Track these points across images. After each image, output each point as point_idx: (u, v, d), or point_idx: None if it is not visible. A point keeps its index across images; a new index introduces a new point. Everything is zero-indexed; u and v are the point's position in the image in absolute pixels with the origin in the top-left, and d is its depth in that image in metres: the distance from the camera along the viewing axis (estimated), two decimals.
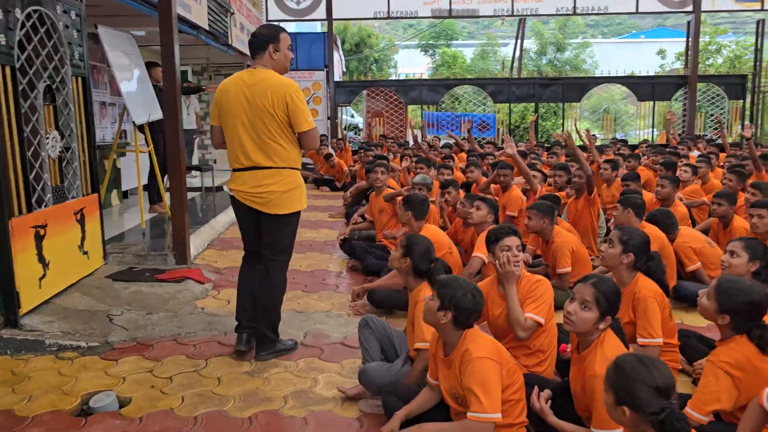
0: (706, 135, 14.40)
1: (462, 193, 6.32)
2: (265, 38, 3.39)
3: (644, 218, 4.70)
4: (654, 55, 20.47)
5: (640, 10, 14.15)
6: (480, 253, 4.30)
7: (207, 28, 8.28)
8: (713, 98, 14.73)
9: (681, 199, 6.33)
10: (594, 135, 10.62)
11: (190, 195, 7.61)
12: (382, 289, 4.50)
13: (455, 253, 4.64)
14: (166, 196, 6.53)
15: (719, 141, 11.31)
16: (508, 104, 14.67)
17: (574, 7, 13.97)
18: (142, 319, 4.16)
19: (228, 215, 7.61)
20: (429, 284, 2.99)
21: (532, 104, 15.48)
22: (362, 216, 6.77)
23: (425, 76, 14.26)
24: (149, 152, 6.39)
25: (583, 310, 2.45)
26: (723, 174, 6.83)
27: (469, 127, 10.27)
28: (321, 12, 13.94)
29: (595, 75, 14.92)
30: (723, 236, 5.37)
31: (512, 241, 3.11)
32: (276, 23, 4.04)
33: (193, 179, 9.21)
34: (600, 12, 14.22)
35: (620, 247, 3.12)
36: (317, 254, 6.30)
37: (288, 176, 3.40)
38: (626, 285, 3.09)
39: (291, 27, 19.34)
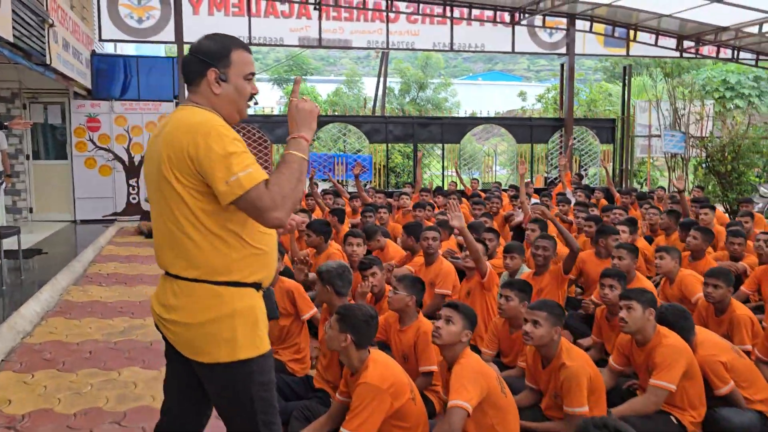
0: (585, 170, 14.21)
1: (388, 273, 4.72)
2: (203, 56, 2.04)
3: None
4: (515, 97, 20.50)
5: (516, 50, 13.68)
6: (463, 401, 2.69)
7: (10, 40, 6.00)
8: (581, 140, 14.57)
9: None
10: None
11: None
12: None
13: (419, 400, 2.97)
14: None
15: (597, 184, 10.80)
16: (385, 144, 13.39)
17: (451, 44, 13.14)
18: None
19: (40, 301, 5.34)
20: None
21: (409, 145, 14.33)
22: None
23: (275, 112, 12.64)
24: None
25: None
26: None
27: (358, 172, 8.71)
28: (168, 33, 11.77)
29: (476, 116, 14.01)
30: (715, 324, 4.24)
31: None
32: (230, 35, 2.22)
33: None
34: (476, 50, 13.55)
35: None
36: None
37: (204, 297, 1.97)
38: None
39: (130, 49, 16.79)
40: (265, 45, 12.72)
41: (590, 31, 13.22)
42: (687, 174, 13.81)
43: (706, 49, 13.69)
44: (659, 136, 13.85)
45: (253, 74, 2.10)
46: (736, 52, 13.63)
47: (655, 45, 13.32)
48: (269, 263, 2.08)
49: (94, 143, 11.45)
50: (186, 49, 12.29)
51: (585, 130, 14.46)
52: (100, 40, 11.97)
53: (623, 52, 14.13)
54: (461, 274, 5.11)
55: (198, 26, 11.82)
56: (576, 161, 14.35)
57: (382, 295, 4.30)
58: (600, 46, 13.99)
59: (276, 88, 28.15)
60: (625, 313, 3.35)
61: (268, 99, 29.88)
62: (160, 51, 20.06)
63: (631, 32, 13.21)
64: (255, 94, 2.11)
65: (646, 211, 7.88)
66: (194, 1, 12.03)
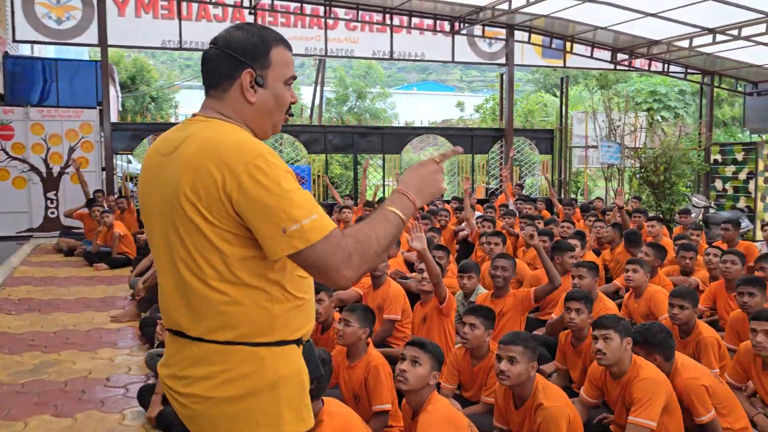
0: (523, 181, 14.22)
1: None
2: (236, 52, 1.58)
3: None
4: (452, 107, 20.49)
5: (456, 60, 13.56)
6: None
7: None
8: (519, 151, 14.59)
9: None
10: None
11: None
12: None
13: None
14: None
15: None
16: (324, 155, 12.96)
17: (391, 52, 12.89)
18: None
19: None
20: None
21: (349, 155, 13.97)
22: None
23: None
24: None
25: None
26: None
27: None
28: (91, 35, 10.97)
29: (415, 126, 13.78)
30: (680, 346, 4.05)
31: None
32: (266, 26, 1.69)
33: None
34: (416, 58, 13.36)
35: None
36: (96, 412, 3.75)
37: (241, 364, 1.53)
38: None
39: (50, 52, 15.73)
40: (197, 50, 12.07)
41: (529, 42, 13.25)
42: (623, 184, 14.02)
43: (638, 62, 13.97)
44: (596, 146, 14.00)
45: (294, 78, 1.68)
46: (666, 65, 13.98)
47: (591, 57, 13.48)
48: (312, 313, 1.68)
49: (6, 153, 10.54)
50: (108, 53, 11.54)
51: (523, 140, 14.49)
52: (14, 41, 11.05)
53: (560, 63, 14.27)
54: (411, 296, 4.79)
55: (124, 28, 11.14)
56: (515, 172, 14.35)
57: (329, 326, 3.91)
58: (538, 57, 14.05)
59: None
60: (603, 344, 3.08)
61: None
62: (83, 54, 18.92)
63: (568, 44, 13.32)
64: (294, 103, 1.69)
65: (592, 224, 7.80)
66: (119, 2, 11.29)
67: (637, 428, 2.91)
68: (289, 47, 1.66)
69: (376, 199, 11.34)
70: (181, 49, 11.82)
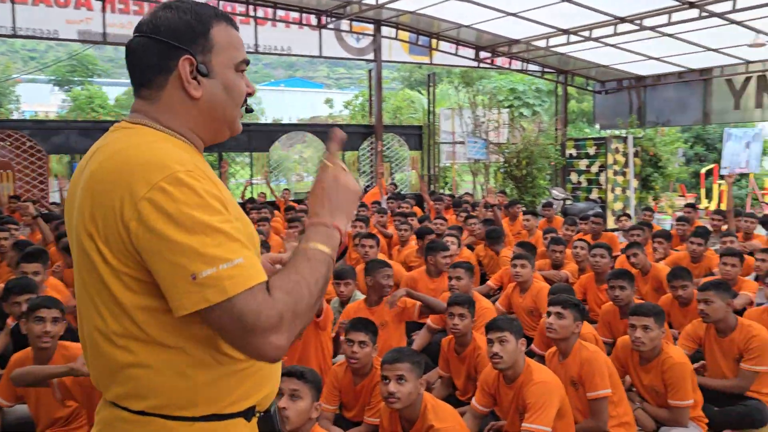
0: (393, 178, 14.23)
1: None
2: (167, 36, 1.22)
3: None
4: (321, 104, 20.21)
5: (324, 54, 13.26)
6: None
7: None
8: (388, 147, 14.61)
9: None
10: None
11: None
12: None
13: None
14: None
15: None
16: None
17: (256, 45, 12.32)
18: None
19: None
20: None
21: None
22: None
23: (51, 117, 10.87)
24: None
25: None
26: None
27: None
28: None
29: (283, 123, 13.33)
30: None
31: None
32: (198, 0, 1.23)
33: None
34: (282, 52, 12.92)
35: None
36: None
37: None
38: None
39: None
40: (33, 38, 10.83)
41: (396, 38, 13.24)
42: (488, 179, 14.46)
43: (500, 61, 14.43)
44: (463, 142, 14.32)
45: (247, 63, 1.32)
46: (525, 64, 14.56)
47: (456, 54, 13.73)
48: (271, 375, 1.30)
49: None
50: None
51: (392, 136, 14.51)
52: None
53: (427, 60, 14.39)
54: None
55: None
56: (386, 168, 14.34)
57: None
58: (405, 53, 14.10)
59: (57, 90, 24.92)
60: (499, 347, 2.92)
61: (47, 103, 26.41)
62: None
63: (434, 41, 13.47)
64: (251, 94, 1.35)
65: (465, 221, 7.83)
66: None
67: None
68: (233, 24, 1.31)
69: (245, 198, 10.78)
70: (15, 36, 10.52)
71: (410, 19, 12.37)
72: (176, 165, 1.12)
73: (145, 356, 1.15)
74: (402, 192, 13.09)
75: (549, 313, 3.30)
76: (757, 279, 5.48)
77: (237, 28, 1.33)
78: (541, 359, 3.80)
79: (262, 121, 16.00)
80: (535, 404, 2.83)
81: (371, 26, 12.88)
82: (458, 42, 13.55)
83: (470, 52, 13.92)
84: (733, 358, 3.78)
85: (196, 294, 1.06)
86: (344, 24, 12.50)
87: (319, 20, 12.16)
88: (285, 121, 13.61)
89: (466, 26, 12.25)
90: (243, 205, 9.33)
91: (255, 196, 11.82)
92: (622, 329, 4.37)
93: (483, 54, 13.95)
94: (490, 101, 14.65)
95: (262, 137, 12.65)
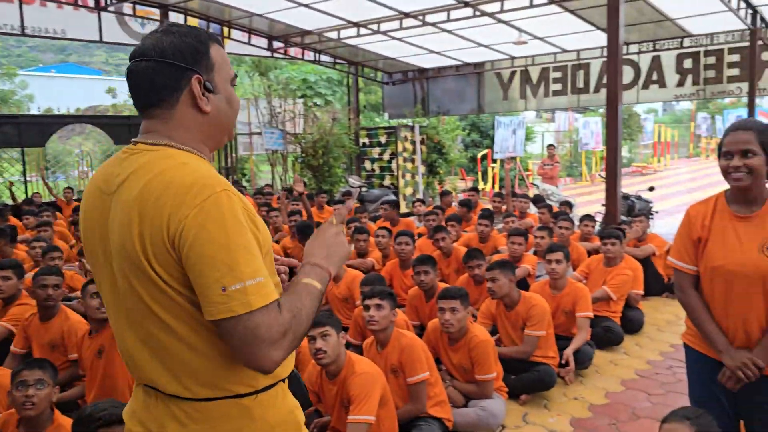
0: None
1: None
2: (176, 59, 1.36)
3: None
4: (102, 93, 18.60)
5: (104, 39, 12.19)
6: None
7: None
8: None
9: None
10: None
11: None
12: None
13: None
14: None
15: None
16: None
17: (22, 27, 10.94)
18: None
19: None
20: None
21: None
22: None
23: None
24: None
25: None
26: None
27: None
28: None
29: (61, 114, 12.02)
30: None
31: None
32: (188, 24, 1.73)
33: None
34: (55, 36, 11.61)
35: None
36: None
37: (226, 420, 1.35)
38: None
39: None
40: None
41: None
42: (287, 169, 14.51)
43: (293, 51, 14.49)
44: (260, 133, 14.17)
45: (236, 76, 1.52)
46: (318, 54, 14.79)
47: (249, 44, 13.49)
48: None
49: None
50: None
51: None
52: None
53: None
54: None
55: None
56: None
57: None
58: None
59: None
60: (322, 343, 3.00)
61: None
62: None
63: (225, 29, 13.09)
64: (237, 107, 1.54)
65: (267, 214, 7.81)
66: None
67: (358, 426, 2.92)
68: (221, 43, 1.48)
69: (17, 201, 9.59)
70: None
71: (200, 5, 11.86)
72: (217, 185, 1.28)
73: (206, 350, 1.33)
74: None
75: (368, 306, 3.45)
76: (536, 254, 6.25)
77: (223, 46, 1.48)
78: (357, 349, 3.99)
79: (33, 111, 14.25)
80: (359, 396, 2.95)
81: (157, 11, 12.12)
82: (251, 31, 13.32)
83: (263, 42, 13.77)
84: (520, 327, 4.31)
85: (224, 305, 1.23)
86: (127, 7, 11.61)
87: (98, 2, 11.16)
88: (59, 111, 12.22)
89: (259, 15, 12.07)
90: (17, 207, 8.32)
91: (27, 195, 10.56)
92: (428, 312, 4.74)
93: (276, 44, 13.89)
94: (284, 91, 14.65)
95: (34, 130, 11.27)
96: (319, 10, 11.15)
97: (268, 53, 14.14)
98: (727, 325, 2.37)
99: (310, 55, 14.91)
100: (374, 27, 11.81)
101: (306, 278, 1.39)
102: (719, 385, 2.38)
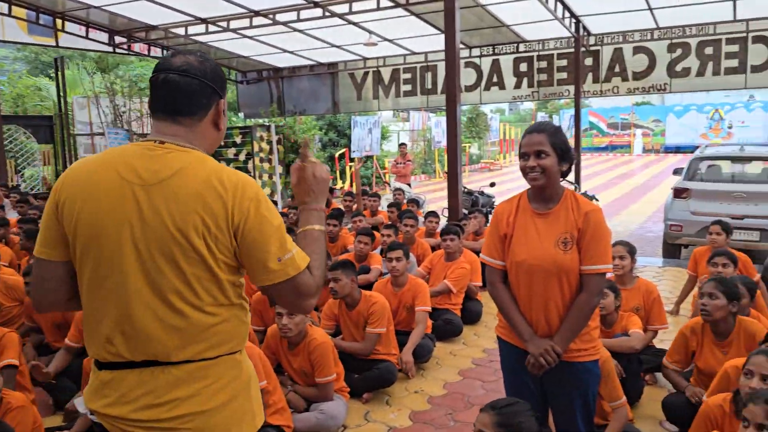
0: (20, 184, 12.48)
1: None
2: (213, 82, 1.70)
3: None
4: None
5: None
6: None
7: None
8: (12, 140, 12.78)
9: None
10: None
11: None
12: None
13: None
14: None
15: None
16: None
17: None
18: None
19: None
20: None
21: None
22: None
23: None
24: None
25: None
26: None
27: None
28: None
29: None
30: None
31: None
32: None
33: None
34: None
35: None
36: None
37: (226, 372, 1.68)
38: None
39: None
40: None
41: (9, 15, 11.52)
42: None
43: (138, 47, 13.73)
44: (103, 133, 13.30)
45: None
46: (165, 51, 14.13)
47: (87, 38, 12.60)
48: None
49: None
50: None
51: (16, 128, 12.72)
52: None
53: (52, 42, 12.88)
54: None
55: None
56: (10, 165, 12.50)
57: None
58: (24, 33, 12.38)
59: None
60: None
61: None
62: None
63: (59, 21, 12.12)
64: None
65: None
66: None
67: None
68: None
69: None
70: None
71: None
72: (253, 182, 1.65)
73: (226, 315, 1.64)
74: (34, 190, 11.61)
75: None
76: (382, 252, 6.39)
77: None
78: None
79: None
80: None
81: None
82: (89, 24, 12.44)
83: (104, 36, 12.91)
84: (362, 326, 4.39)
85: (281, 271, 1.61)
86: None
87: None
88: None
89: (97, 7, 11.29)
90: None
91: None
92: (272, 316, 4.69)
93: (118, 39, 13.09)
94: (130, 89, 13.86)
95: None
96: (163, 5, 10.65)
97: (110, 48, 13.30)
98: (531, 315, 2.56)
99: (157, 51, 14.22)
100: (223, 24, 11.49)
101: (310, 225, 1.77)
102: (528, 372, 2.56)
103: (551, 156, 2.49)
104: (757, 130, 33.15)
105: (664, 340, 4.90)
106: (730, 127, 34.28)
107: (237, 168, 10.73)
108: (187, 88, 1.63)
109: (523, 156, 2.54)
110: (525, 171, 2.54)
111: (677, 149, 35.34)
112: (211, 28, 11.67)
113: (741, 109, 34.60)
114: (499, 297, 2.65)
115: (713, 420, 2.76)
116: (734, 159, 9.05)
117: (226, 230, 1.57)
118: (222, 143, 14.47)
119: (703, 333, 3.62)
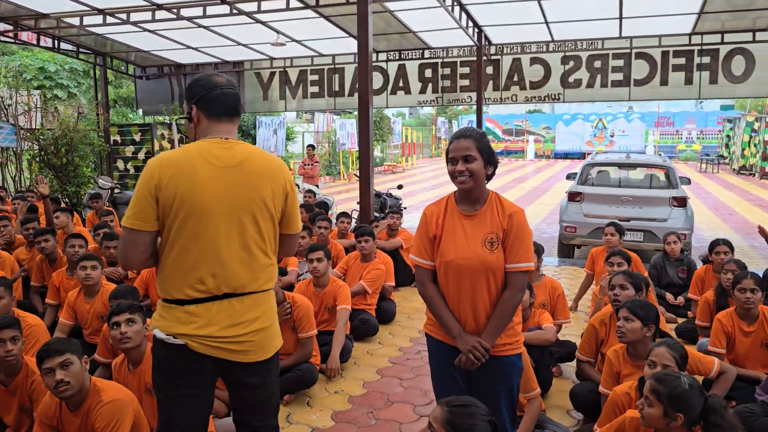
0: None
1: None
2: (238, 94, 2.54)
3: None
4: None
5: None
6: None
7: None
8: None
9: None
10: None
11: None
12: None
13: None
14: None
15: None
16: None
17: None
18: None
19: None
20: None
21: None
22: None
23: None
24: None
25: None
26: None
27: None
28: None
29: None
30: None
31: None
32: None
33: None
34: None
35: None
36: None
37: (272, 300, 2.51)
38: None
39: None
40: None
41: None
42: (21, 169, 12.86)
43: (26, 35, 12.84)
44: None
45: None
46: (57, 41, 13.31)
47: None
48: None
49: None
50: None
51: None
52: None
53: None
54: None
55: None
56: None
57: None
58: None
59: None
60: (63, 373, 2.73)
61: None
62: None
63: None
64: None
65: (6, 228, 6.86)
66: None
67: None
68: None
69: None
70: None
71: None
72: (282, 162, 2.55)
73: (273, 260, 2.47)
74: None
75: (117, 324, 3.23)
76: (297, 254, 6.37)
77: None
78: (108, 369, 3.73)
79: None
80: (106, 427, 2.75)
81: None
82: None
83: None
84: (289, 329, 4.37)
85: (299, 223, 2.56)
86: None
87: None
88: None
89: None
90: None
91: None
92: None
93: (3, 26, 12.18)
94: (16, 81, 12.94)
95: None
96: None
97: None
98: (459, 313, 2.68)
99: (47, 41, 13.36)
100: (123, 16, 10.98)
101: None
102: (456, 368, 2.67)
103: (478, 160, 2.62)
104: (635, 138, 36.04)
105: (566, 335, 5.25)
106: (612, 136, 36.85)
107: (136, 167, 10.33)
108: (238, 99, 2.43)
109: (451, 161, 2.65)
110: (454, 175, 2.65)
111: (566, 155, 37.61)
112: (110, 19, 11.12)
113: (621, 119, 37.34)
114: (429, 295, 2.74)
115: (620, 406, 3.01)
116: (621, 165, 9.79)
117: (282, 196, 2.42)
118: (119, 141, 13.91)
119: (610, 323, 3.93)
